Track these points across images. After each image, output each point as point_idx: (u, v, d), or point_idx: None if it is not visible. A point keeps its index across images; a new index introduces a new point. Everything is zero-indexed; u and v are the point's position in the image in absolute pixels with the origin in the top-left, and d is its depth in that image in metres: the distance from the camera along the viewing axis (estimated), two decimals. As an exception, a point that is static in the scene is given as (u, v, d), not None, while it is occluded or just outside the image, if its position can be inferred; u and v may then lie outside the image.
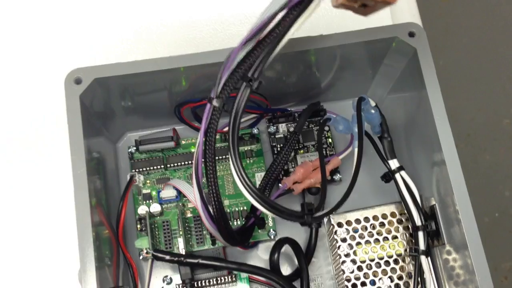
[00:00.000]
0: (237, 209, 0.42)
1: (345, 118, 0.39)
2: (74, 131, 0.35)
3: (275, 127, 0.43)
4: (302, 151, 0.43)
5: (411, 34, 0.37)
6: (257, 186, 0.40)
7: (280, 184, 0.40)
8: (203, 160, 0.33)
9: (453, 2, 1.01)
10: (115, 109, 0.40)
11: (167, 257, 0.38)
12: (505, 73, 0.97)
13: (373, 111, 0.38)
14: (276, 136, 0.43)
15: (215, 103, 0.31)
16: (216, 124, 0.32)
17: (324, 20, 0.41)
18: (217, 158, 0.42)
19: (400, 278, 0.40)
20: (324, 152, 0.44)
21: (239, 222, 0.42)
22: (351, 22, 0.38)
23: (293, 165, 0.43)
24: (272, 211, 0.33)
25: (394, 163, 0.39)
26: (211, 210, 0.35)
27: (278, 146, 0.43)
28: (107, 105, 0.39)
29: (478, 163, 0.93)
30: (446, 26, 1.00)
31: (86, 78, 0.35)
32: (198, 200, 0.34)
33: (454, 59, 0.97)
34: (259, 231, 0.42)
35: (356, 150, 0.38)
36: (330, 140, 0.44)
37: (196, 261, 0.38)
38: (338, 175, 0.43)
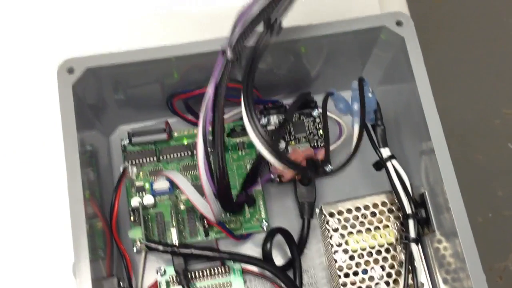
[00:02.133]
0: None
1: (344, 98, 0.40)
2: (67, 121, 0.35)
3: (266, 119, 0.44)
4: (293, 142, 0.44)
5: (399, 23, 0.38)
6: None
7: (270, 171, 0.41)
8: (211, 113, 0.32)
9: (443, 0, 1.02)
10: (107, 101, 0.41)
11: (161, 248, 0.38)
12: (495, 73, 0.99)
13: (370, 95, 0.39)
14: (268, 128, 0.44)
15: (229, 55, 0.30)
16: (227, 78, 0.31)
17: (310, 9, 0.42)
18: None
19: (391, 267, 0.40)
20: (315, 143, 0.44)
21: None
22: (336, 13, 0.39)
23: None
24: (280, 160, 0.33)
25: (385, 152, 0.39)
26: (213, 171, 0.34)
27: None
28: (100, 96, 0.40)
29: (470, 163, 0.93)
30: (437, 25, 1.01)
31: (78, 68, 0.35)
32: (201, 153, 0.33)
33: (445, 59, 0.98)
34: (252, 222, 0.42)
35: (356, 126, 0.38)
36: (321, 132, 0.44)
37: (189, 251, 0.38)
38: (330, 166, 0.43)
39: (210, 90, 0.32)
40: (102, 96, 0.40)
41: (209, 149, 0.33)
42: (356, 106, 0.38)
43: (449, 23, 1.01)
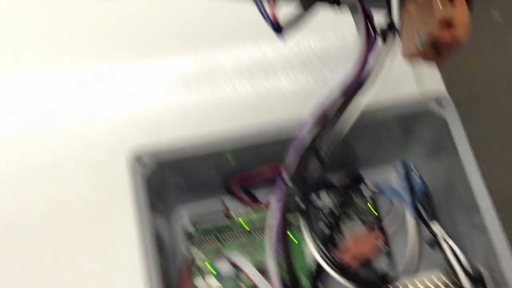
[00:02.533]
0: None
1: (392, 186, 0.42)
2: (139, 209, 0.38)
3: (317, 197, 0.46)
4: (344, 217, 0.45)
5: (439, 105, 0.40)
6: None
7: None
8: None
9: (475, 70, 1.04)
10: (169, 185, 0.43)
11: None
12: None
13: (418, 180, 0.41)
14: (322, 210, 0.45)
15: (290, 185, 0.34)
16: (287, 202, 0.35)
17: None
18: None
19: None
20: (366, 219, 0.45)
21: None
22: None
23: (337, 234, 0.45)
24: (350, 281, 0.36)
25: (437, 229, 0.40)
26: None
27: (322, 215, 0.45)
28: (163, 182, 0.42)
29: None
30: (471, 94, 1.02)
31: (147, 158, 0.38)
32: (274, 274, 0.36)
33: (482, 126, 0.98)
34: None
35: (411, 220, 0.40)
36: (372, 209, 0.46)
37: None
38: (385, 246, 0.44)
39: (277, 217, 0.35)
40: (165, 181, 0.43)
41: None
42: (406, 197, 0.40)
43: (484, 92, 1.02)
